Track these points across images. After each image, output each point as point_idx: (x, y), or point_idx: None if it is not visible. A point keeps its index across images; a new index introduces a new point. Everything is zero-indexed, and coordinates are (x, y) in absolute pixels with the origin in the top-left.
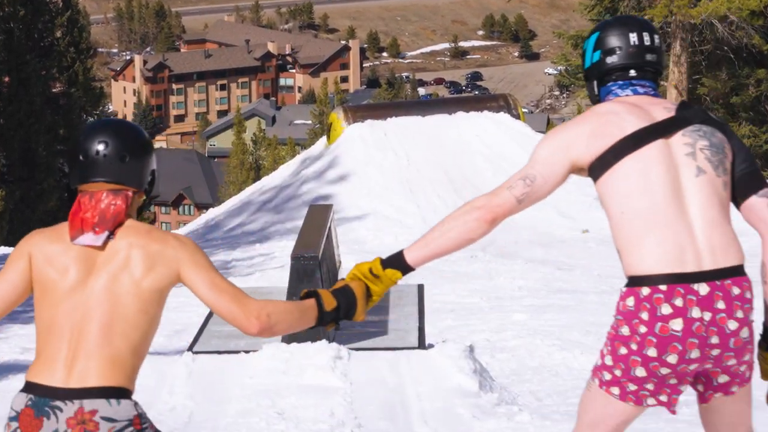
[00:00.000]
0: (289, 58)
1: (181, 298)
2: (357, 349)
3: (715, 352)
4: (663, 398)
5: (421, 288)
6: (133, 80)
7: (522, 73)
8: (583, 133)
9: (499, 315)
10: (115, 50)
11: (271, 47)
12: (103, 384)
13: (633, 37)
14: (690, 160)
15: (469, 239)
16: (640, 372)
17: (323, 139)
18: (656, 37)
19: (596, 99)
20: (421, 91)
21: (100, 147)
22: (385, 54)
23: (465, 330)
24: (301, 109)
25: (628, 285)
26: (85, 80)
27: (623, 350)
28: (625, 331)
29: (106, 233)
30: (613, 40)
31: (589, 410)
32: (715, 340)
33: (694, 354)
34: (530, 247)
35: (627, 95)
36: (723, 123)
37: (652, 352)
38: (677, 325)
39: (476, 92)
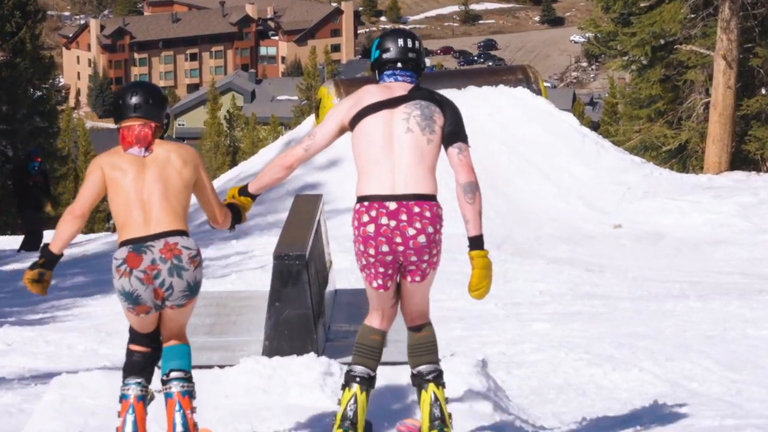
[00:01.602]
0: (271, 23)
1: None
2: (350, 364)
3: (400, 248)
4: (380, 281)
5: None
6: (88, 48)
7: (544, 41)
8: (348, 103)
9: (517, 324)
10: (67, 13)
11: (250, 10)
12: (174, 228)
13: (400, 42)
14: (404, 123)
15: (278, 178)
16: (362, 262)
17: (311, 118)
18: (417, 42)
19: (377, 83)
20: (426, 61)
21: (134, 96)
22: (383, 18)
23: (477, 341)
24: (285, 83)
25: (355, 206)
26: (32, 48)
27: (354, 248)
28: (352, 234)
29: (144, 149)
30: (388, 43)
31: (367, 292)
32: (398, 240)
33: (384, 248)
34: (553, 244)
35: (390, 81)
36: (441, 100)
37: (361, 248)
38: (371, 228)
39: (490, 63)
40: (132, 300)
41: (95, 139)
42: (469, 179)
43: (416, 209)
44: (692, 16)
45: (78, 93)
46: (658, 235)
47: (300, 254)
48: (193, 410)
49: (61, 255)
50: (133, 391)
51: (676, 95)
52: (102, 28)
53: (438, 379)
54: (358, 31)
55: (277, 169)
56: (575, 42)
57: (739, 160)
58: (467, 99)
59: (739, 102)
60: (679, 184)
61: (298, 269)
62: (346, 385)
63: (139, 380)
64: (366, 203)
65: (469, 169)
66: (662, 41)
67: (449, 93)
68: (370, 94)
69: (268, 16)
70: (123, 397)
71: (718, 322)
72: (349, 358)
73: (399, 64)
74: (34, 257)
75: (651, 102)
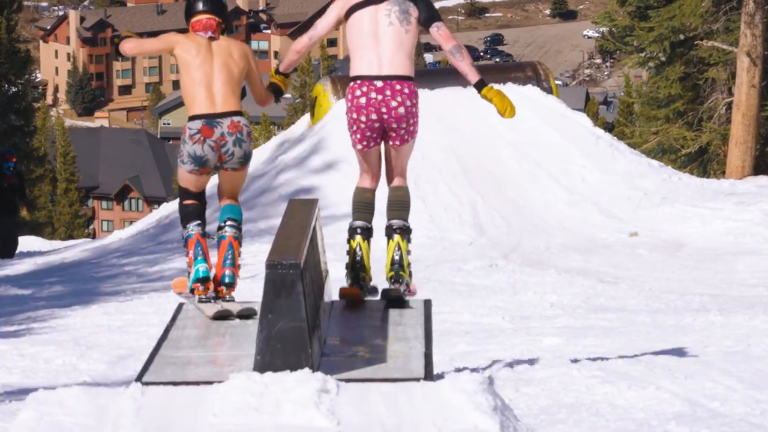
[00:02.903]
0: (263, 16)
1: (127, 315)
2: (347, 381)
3: (385, 116)
4: (365, 143)
5: (428, 304)
6: (67, 42)
7: (555, 35)
8: (343, 2)
9: (526, 339)
10: (44, 4)
11: (241, 2)
12: (236, 109)
13: None
14: (386, 18)
15: (295, 60)
16: (354, 127)
17: (306, 118)
18: None
19: None
20: (428, 57)
21: None
22: None
23: (483, 357)
24: None
25: (349, 84)
26: (7, 41)
27: (347, 117)
28: (346, 107)
29: (210, 34)
30: None
31: (357, 160)
32: (384, 110)
33: (373, 117)
34: (565, 253)
35: None
36: (408, 3)
37: (354, 116)
38: (362, 100)
39: (497, 59)
40: (200, 163)
41: (74, 138)
42: (453, 43)
43: (398, 87)
44: (714, 9)
45: (56, 89)
46: (677, 244)
47: (294, 263)
48: (239, 253)
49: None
50: (196, 229)
51: (697, 94)
52: (82, 20)
53: (404, 233)
54: None
55: (292, 54)
56: (588, 37)
57: (764, 164)
58: (473, 97)
59: (764, 102)
60: (700, 189)
61: (292, 279)
62: (350, 237)
63: (198, 222)
64: (359, 81)
65: (449, 37)
66: (682, 36)
67: (454, 91)
68: None
69: (260, 8)
70: (188, 237)
71: (742, 337)
72: (346, 374)
73: None
74: (9, 264)
75: (669, 102)
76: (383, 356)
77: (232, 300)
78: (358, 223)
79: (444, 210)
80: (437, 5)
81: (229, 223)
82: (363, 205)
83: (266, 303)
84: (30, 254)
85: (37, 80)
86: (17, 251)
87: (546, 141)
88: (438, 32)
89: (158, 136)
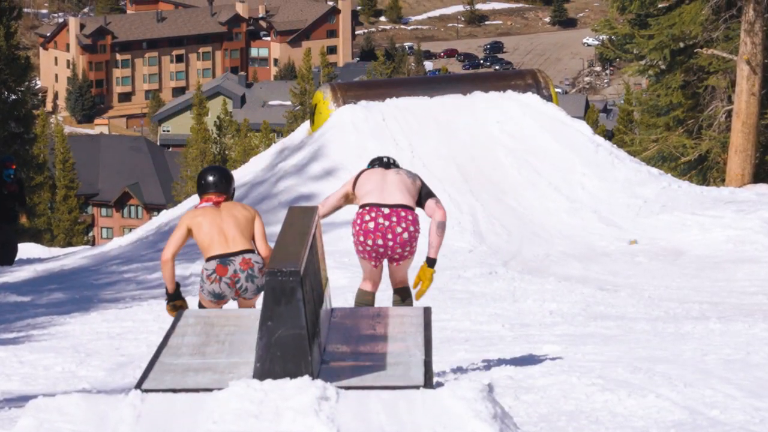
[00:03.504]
0: (263, 23)
1: (127, 322)
2: (347, 388)
3: (390, 243)
4: (373, 262)
5: (427, 312)
6: (67, 49)
7: (554, 43)
8: (351, 179)
9: (526, 346)
10: (44, 11)
11: (241, 9)
12: (247, 247)
13: (383, 158)
14: (394, 173)
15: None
16: (360, 248)
17: (306, 125)
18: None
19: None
20: (428, 65)
21: (211, 177)
22: (383, 19)
23: (482, 365)
24: (277, 87)
25: (358, 210)
26: (7, 48)
27: (354, 238)
28: (353, 230)
29: (215, 204)
30: (374, 161)
31: (361, 267)
32: (390, 236)
33: (380, 241)
34: (565, 261)
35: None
36: (415, 174)
37: (361, 239)
38: (371, 225)
39: (497, 67)
40: (217, 297)
41: (74, 145)
42: (440, 220)
43: (402, 214)
44: (714, 17)
45: (56, 96)
46: (676, 252)
47: (294, 270)
48: None
49: (178, 287)
50: None
51: (697, 102)
52: (82, 27)
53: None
54: (356, 32)
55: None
56: (588, 45)
57: (764, 173)
58: (473, 105)
59: (764, 110)
60: (699, 197)
61: (291, 286)
62: None
63: None
64: (367, 207)
65: (440, 213)
66: (682, 44)
67: (454, 99)
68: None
69: (260, 16)
70: None
71: (741, 345)
72: (346, 382)
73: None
74: (8, 271)
75: (669, 109)
76: (383, 364)
77: None
78: None
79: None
80: (437, 12)
81: None
82: (363, 305)
83: (266, 310)
84: (29, 261)
85: (37, 87)
86: (16, 258)
87: (546, 149)
88: (435, 205)
89: (158, 144)
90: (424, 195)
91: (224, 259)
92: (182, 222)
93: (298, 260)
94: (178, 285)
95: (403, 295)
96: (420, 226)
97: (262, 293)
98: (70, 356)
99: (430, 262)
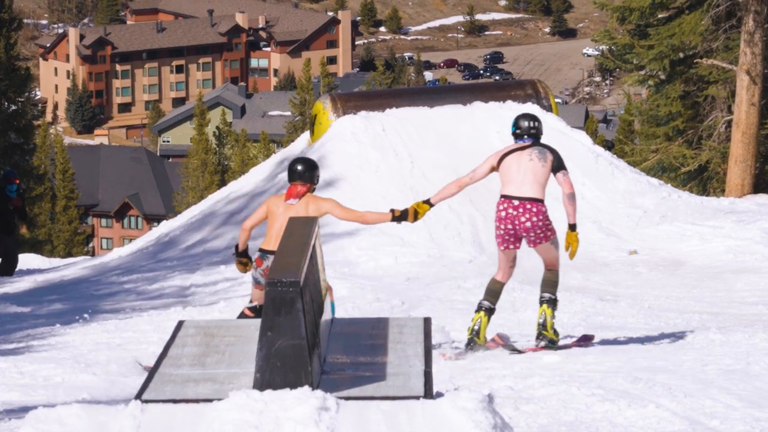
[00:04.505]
0: (263, 34)
1: (127, 333)
2: (347, 398)
3: (519, 228)
4: (504, 246)
5: (427, 322)
6: (67, 59)
7: (554, 53)
8: (495, 154)
9: (526, 357)
10: (44, 22)
11: (240, 19)
12: None
13: (525, 123)
14: (527, 158)
15: (452, 193)
16: (496, 233)
17: (305, 135)
18: (537, 123)
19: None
20: (428, 75)
21: (299, 167)
22: (382, 29)
23: (482, 375)
24: (277, 97)
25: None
26: (7, 59)
27: (494, 226)
28: (495, 216)
29: (296, 200)
30: (521, 123)
31: (498, 257)
32: (517, 222)
33: (510, 227)
34: (565, 271)
35: (519, 142)
36: (551, 147)
37: (498, 224)
38: (503, 213)
39: (497, 77)
40: (256, 281)
41: (74, 156)
42: (570, 191)
43: (528, 206)
44: (714, 28)
45: (56, 107)
46: (676, 262)
47: (294, 280)
48: None
49: (246, 249)
50: None
51: (696, 113)
52: (82, 37)
53: (550, 302)
54: (356, 43)
55: (452, 187)
56: (588, 55)
57: (764, 183)
58: (473, 115)
59: (764, 120)
60: (699, 208)
61: (291, 296)
62: (476, 310)
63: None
64: (502, 198)
65: (569, 184)
66: (681, 55)
67: (454, 109)
68: (506, 148)
69: (260, 26)
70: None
71: (741, 355)
72: (346, 392)
73: (525, 136)
74: (8, 282)
75: (669, 120)
76: (383, 374)
77: None
78: (485, 303)
79: (444, 228)
80: (437, 22)
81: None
82: (492, 291)
83: (266, 320)
84: (29, 272)
85: (37, 98)
86: (16, 269)
87: None
88: (563, 178)
89: (158, 154)
90: (554, 169)
91: (264, 254)
92: (266, 203)
93: (297, 271)
94: (246, 248)
95: (550, 280)
96: (545, 216)
97: None
98: (70, 367)
99: (572, 227)
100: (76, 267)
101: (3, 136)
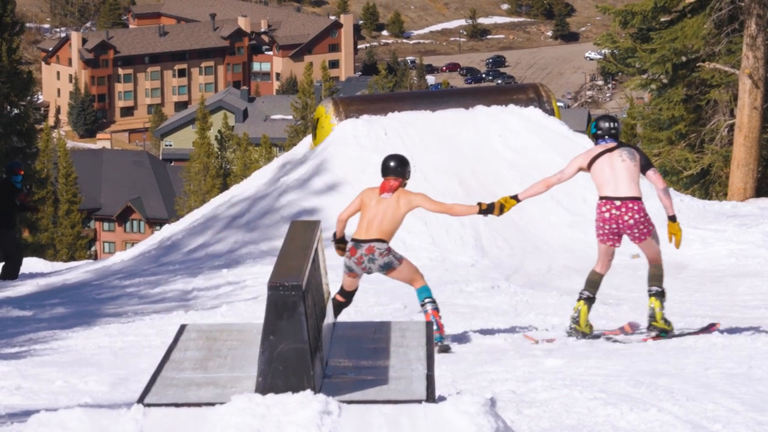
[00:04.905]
0: (265, 37)
1: (129, 337)
2: (349, 402)
3: (622, 226)
4: (610, 243)
5: (429, 326)
6: (69, 63)
7: (557, 57)
8: (583, 155)
9: (528, 360)
10: (46, 26)
11: (243, 23)
12: (376, 237)
13: (606, 124)
14: (619, 159)
15: (539, 192)
16: (600, 232)
17: (308, 139)
18: (617, 123)
19: (595, 143)
20: (430, 79)
21: (391, 163)
22: (385, 33)
23: (485, 379)
24: (279, 101)
25: (598, 200)
26: (9, 63)
27: (595, 226)
28: (595, 218)
29: (390, 194)
30: (601, 124)
31: (597, 250)
32: (621, 221)
33: (614, 226)
34: (567, 275)
35: (602, 143)
36: (636, 147)
37: (601, 224)
38: (606, 214)
39: (499, 81)
40: (349, 269)
41: (76, 160)
42: (663, 185)
43: (630, 205)
44: (716, 31)
45: (58, 111)
46: (678, 266)
47: (296, 284)
48: (440, 317)
49: (344, 237)
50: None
51: (699, 116)
52: (84, 41)
53: (657, 295)
54: (358, 46)
55: (540, 186)
56: (590, 59)
57: (766, 186)
58: (475, 119)
59: (766, 124)
60: (702, 211)
61: (294, 300)
62: (577, 299)
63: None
64: (604, 200)
65: (661, 180)
66: (684, 58)
67: (456, 113)
68: (594, 149)
69: (262, 30)
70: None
71: (744, 359)
72: (348, 396)
73: (607, 137)
74: (10, 285)
75: (672, 123)
76: (385, 378)
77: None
78: (585, 293)
79: (446, 232)
80: (440, 26)
81: (427, 301)
82: (592, 282)
83: (268, 324)
84: (32, 276)
85: (39, 102)
86: (20, 271)
87: (548, 162)
88: (654, 175)
89: (160, 158)
90: (643, 167)
91: (357, 243)
92: (360, 195)
93: (300, 275)
94: (344, 236)
95: (656, 275)
96: (645, 212)
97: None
98: (73, 370)
99: (672, 219)
100: (78, 271)
101: (5, 140)
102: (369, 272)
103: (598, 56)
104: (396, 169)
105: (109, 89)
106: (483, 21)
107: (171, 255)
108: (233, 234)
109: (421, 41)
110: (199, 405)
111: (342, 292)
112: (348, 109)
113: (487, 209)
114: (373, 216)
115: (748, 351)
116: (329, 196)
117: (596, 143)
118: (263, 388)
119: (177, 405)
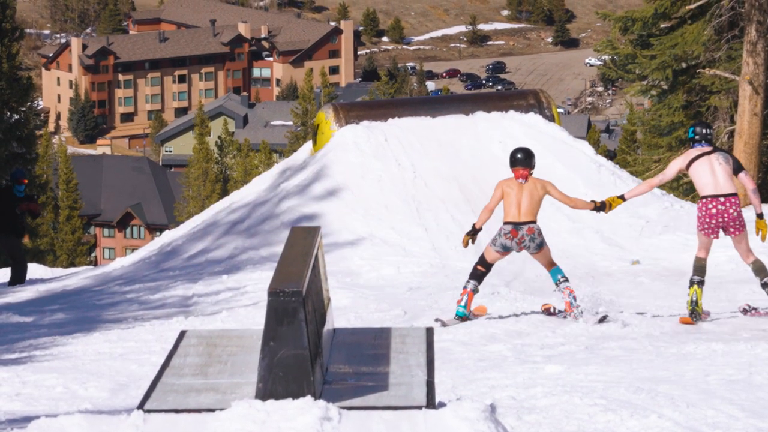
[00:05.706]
0: (266, 43)
1: (129, 342)
2: (349, 408)
3: (727, 219)
4: (714, 236)
5: (429, 332)
6: (70, 69)
7: (557, 63)
8: (682, 158)
9: (528, 366)
10: (47, 32)
11: (243, 29)
12: (532, 219)
13: (702, 130)
14: (717, 162)
15: (643, 192)
16: (704, 227)
17: (308, 145)
18: (711, 129)
19: (690, 146)
20: (430, 85)
21: (519, 155)
22: (385, 39)
23: (485, 385)
24: (279, 107)
25: (700, 198)
26: (9, 69)
27: (700, 219)
28: (698, 214)
29: (521, 180)
30: (698, 129)
31: (698, 241)
32: (726, 215)
33: (720, 220)
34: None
35: (698, 146)
36: (728, 151)
37: (707, 219)
38: (714, 210)
39: (499, 87)
40: (505, 249)
41: (76, 166)
42: (753, 186)
43: (732, 199)
44: (716, 38)
45: (58, 116)
46: (678, 272)
47: (296, 290)
48: (575, 296)
49: (482, 227)
50: (471, 286)
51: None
52: (84, 47)
53: (764, 286)
54: (359, 53)
55: (644, 187)
56: (590, 65)
57: (766, 192)
58: (475, 125)
59: (766, 130)
60: None
61: (294, 306)
62: (690, 285)
63: (475, 282)
64: (709, 198)
65: (751, 181)
66: (684, 65)
67: (456, 119)
68: (695, 150)
69: (262, 36)
70: (465, 287)
71: (744, 366)
72: (348, 402)
73: (703, 141)
74: (10, 292)
75: (672, 129)
76: (385, 384)
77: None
78: (695, 278)
79: (446, 238)
80: (440, 32)
81: (561, 279)
82: (699, 268)
83: (268, 330)
84: (32, 281)
85: (39, 108)
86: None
87: (548, 169)
88: (745, 177)
89: (160, 164)
90: (735, 169)
91: (516, 225)
92: (500, 186)
93: (300, 280)
94: (482, 227)
95: (760, 268)
96: (740, 206)
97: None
98: (72, 376)
99: (760, 216)
100: (78, 277)
101: (5, 146)
102: (523, 251)
103: (598, 62)
104: (524, 160)
105: (110, 95)
106: (483, 27)
107: (171, 261)
108: (233, 240)
109: (422, 47)
110: (199, 411)
111: (484, 263)
112: (348, 115)
113: (599, 207)
114: (520, 200)
115: (748, 357)
116: (329, 202)
117: (692, 147)
118: (263, 394)
119: (177, 411)
